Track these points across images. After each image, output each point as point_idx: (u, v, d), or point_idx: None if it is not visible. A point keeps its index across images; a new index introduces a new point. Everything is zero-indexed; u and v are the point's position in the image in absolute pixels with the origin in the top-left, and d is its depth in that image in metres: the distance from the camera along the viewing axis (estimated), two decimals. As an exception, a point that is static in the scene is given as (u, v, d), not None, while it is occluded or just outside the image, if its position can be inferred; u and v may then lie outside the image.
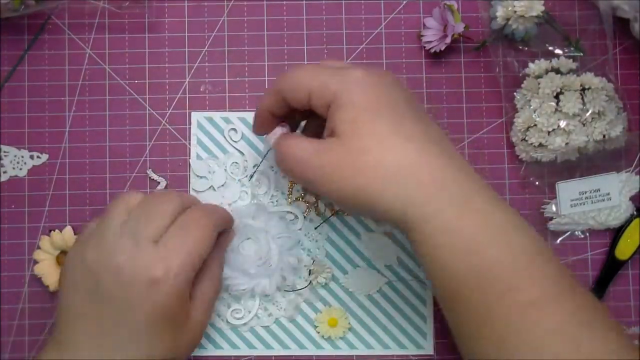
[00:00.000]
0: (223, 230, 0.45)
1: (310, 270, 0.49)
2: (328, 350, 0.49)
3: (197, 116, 0.50)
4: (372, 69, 0.39)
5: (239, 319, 0.49)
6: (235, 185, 0.49)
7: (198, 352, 0.49)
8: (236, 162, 0.50)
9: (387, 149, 0.36)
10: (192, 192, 0.50)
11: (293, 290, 0.49)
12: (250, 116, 0.50)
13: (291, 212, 0.49)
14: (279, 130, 0.42)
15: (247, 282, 0.48)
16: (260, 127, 0.43)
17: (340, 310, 0.49)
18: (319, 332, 0.49)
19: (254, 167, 0.49)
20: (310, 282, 0.49)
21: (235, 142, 0.50)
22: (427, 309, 0.49)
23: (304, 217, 0.49)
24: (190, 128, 0.50)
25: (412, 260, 0.49)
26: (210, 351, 0.49)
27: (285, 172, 0.40)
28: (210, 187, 0.49)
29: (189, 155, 0.50)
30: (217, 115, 0.50)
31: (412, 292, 0.49)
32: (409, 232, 0.36)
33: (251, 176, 0.49)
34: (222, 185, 0.49)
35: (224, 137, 0.50)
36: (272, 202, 0.49)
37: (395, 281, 0.49)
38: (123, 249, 0.38)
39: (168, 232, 0.40)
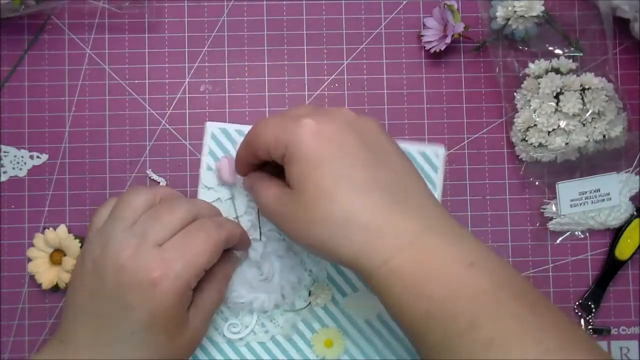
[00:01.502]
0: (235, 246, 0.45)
1: (310, 291, 0.49)
2: None
3: (211, 127, 0.50)
4: (330, 114, 0.39)
5: (235, 333, 0.48)
6: (243, 199, 0.49)
7: (193, 363, 0.49)
8: None
9: (332, 202, 0.36)
10: None
11: (292, 310, 0.49)
12: None
13: None
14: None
15: (246, 296, 0.47)
16: (242, 172, 0.45)
17: (337, 331, 0.49)
18: (314, 352, 0.48)
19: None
20: (310, 303, 0.49)
21: None
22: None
23: None
24: (188, 128, 0.50)
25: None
26: None
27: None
28: (217, 199, 0.49)
29: (188, 155, 0.50)
30: (231, 128, 0.50)
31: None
32: (367, 281, 0.36)
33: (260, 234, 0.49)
34: (230, 199, 0.49)
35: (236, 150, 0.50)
36: None
37: None
38: (127, 249, 0.39)
39: (174, 238, 0.40)
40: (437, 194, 0.50)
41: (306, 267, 0.49)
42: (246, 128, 0.49)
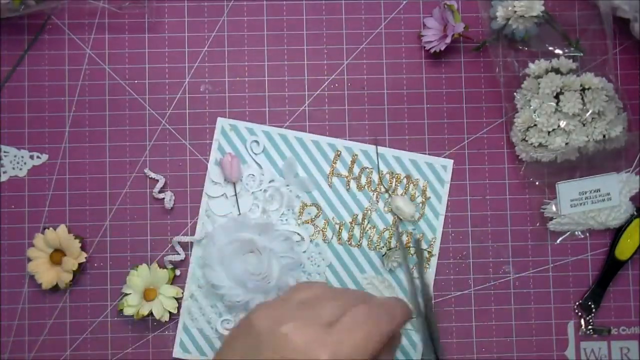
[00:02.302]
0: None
1: None
2: None
3: (222, 122, 0.50)
4: None
5: (228, 329, 0.48)
6: (248, 197, 0.49)
7: (182, 355, 0.49)
8: (252, 175, 0.49)
9: None
10: (204, 197, 0.49)
11: None
12: (273, 130, 0.50)
13: (298, 234, 0.49)
14: None
15: (243, 295, 0.47)
16: None
17: None
18: None
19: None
20: None
21: (255, 154, 0.50)
22: (416, 353, 0.49)
23: (310, 240, 0.49)
24: (188, 128, 0.50)
25: (413, 306, 0.49)
26: (194, 356, 0.49)
27: None
28: (223, 195, 0.49)
29: (188, 155, 0.50)
30: (241, 125, 0.50)
31: (405, 334, 0.49)
32: None
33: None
34: (234, 195, 0.49)
35: (246, 147, 0.50)
36: (281, 219, 0.49)
37: None
38: (294, 321, 0.36)
39: (342, 320, 0.37)
40: (442, 207, 0.50)
41: (305, 270, 0.49)
42: (256, 126, 0.50)
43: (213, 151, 0.50)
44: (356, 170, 0.50)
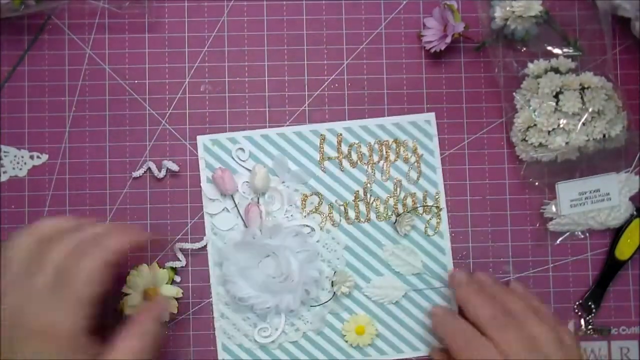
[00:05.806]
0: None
1: (332, 282, 0.49)
2: (358, 358, 0.49)
3: (202, 140, 0.50)
4: None
5: (266, 337, 0.48)
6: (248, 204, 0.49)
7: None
8: (247, 182, 0.49)
9: None
10: (205, 215, 0.49)
11: (318, 305, 0.49)
12: (255, 133, 0.50)
13: (307, 225, 0.49)
14: None
15: (271, 300, 0.47)
16: None
17: (366, 317, 0.49)
18: (347, 341, 0.49)
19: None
20: (334, 293, 0.49)
21: (243, 161, 0.50)
22: (454, 307, 0.49)
23: (320, 228, 0.49)
24: (188, 128, 0.50)
25: (436, 264, 0.50)
26: None
27: None
28: (224, 209, 0.49)
29: (188, 155, 0.50)
30: (222, 137, 0.50)
31: (438, 294, 0.49)
32: None
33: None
34: (236, 206, 0.49)
35: (232, 157, 0.50)
36: (287, 217, 0.49)
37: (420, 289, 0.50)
38: None
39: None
40: (437, 160, 0.50)
41: (324, 259, 0.49)
42: (236, 134, 0.50)
43: (202, 170, 0.50)
44: (344, 148, 0.50)
